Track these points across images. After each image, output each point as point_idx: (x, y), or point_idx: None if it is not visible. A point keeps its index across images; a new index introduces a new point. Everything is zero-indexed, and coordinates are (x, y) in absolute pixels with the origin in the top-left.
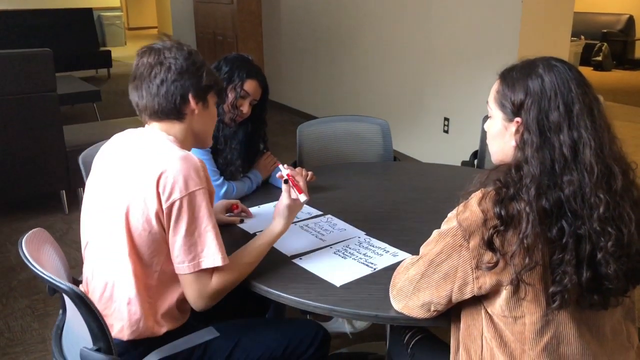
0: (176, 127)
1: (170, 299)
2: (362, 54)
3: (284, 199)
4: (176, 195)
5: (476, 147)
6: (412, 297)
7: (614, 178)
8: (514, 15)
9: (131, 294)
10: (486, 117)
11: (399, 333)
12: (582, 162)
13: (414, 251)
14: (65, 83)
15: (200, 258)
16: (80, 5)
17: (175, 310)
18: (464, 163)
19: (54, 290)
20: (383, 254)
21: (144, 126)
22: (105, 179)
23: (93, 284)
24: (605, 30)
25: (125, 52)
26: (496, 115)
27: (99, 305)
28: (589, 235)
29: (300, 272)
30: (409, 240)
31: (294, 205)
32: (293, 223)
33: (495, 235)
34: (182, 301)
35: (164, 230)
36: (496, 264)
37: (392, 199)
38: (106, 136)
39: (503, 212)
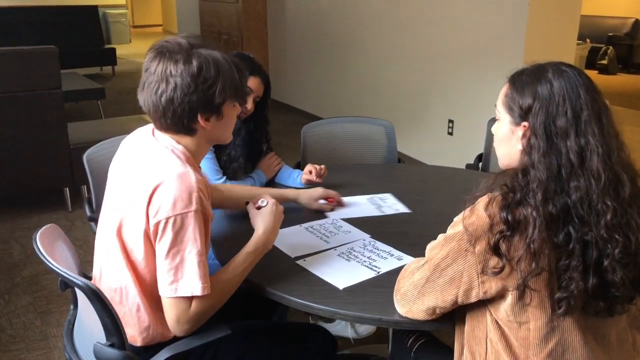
0: (187, 139)
1: None
2: (367, 55)
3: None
4: (162, 215)
5: (481, 150)
6: (416, 301)
7: (622, 186)
8: (520, 18)
9: (139, 302)
10: (492, 120)
11: (402, 336)
12: (589, 169)
13: (419, 255)
14: (69, 80)
15: (179, 284)
16: (85, 2)
17: None
18: (468, 166)
19: (66, 285)
20: (387, 258)
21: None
22: (111, 188)
23: (102, 287)
24: (611, 34)
25: (130, 50)
26: (504, 119)
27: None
28: (595, 242)
29: (303, 274)
30: (414, 243)
31: (262, 211)
32: (298, 224)
33: (501, 241)
34: None
35: (153, 247)
36: (502, 269)
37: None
38: (110, 134)
39: (510, 217)
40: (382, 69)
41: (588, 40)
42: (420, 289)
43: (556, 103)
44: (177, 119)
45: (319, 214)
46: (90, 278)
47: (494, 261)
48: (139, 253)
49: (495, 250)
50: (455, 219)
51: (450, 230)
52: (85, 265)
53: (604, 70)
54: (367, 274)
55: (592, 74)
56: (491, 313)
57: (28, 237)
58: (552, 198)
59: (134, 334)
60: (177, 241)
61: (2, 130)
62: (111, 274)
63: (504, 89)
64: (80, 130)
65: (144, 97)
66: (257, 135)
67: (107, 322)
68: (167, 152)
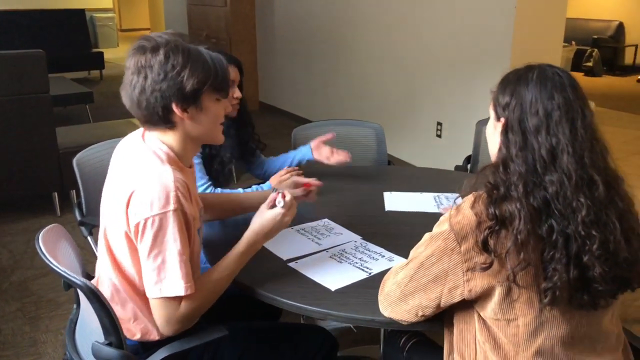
0: (169, 135)
1: None
2: (356, 58)
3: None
4: (140, 217)
5: (469, 152)
6: (399, 301)
7: (596, 187)
8: (507, 21)
9: (132, 302)
10: (480, 122)
11: (394, 337)
12: (561, 167)
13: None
14: (57, 84)
15: (163, 285)
16: (72, 6)
17: None
18: (457, 167)
19: (69, 285)
20: (379, 259)
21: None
22: (104, 192)
23: (101, 287)
24: (595, 37)
25: (117, 54)
26: (491, 115)
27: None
28: (575, 237)
29: (295, 276)
30: (404, 244)
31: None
32: (290, 227)
33: (490, 237)
34: None
35: (136, 249)
36: (491, 264)
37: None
38: (99, 138)
39: (497, 212)
40: (371, 72)
41: (574, 42)
42: (403, 288)
43: (529, 102)
44: (151, 109)
45: (310, 215)
46: (94, 277)
47: (481, 258)
48: (124, 255)
49: (484, 246)
50: (441, 218)
51: (436, 228)
52: (85, 266)
53: (589, 72)
54: (358, 275)
55: (578, 76)
56: (479, 314)
57: (16, 242)
58: (532, 190)
59: (131, 332)
60: (157, 242)
61: None
62: (106, 275)
63: (494, 87)
64: (68, 134)
65: (124, 94)
66: (243, 131)
67: (105, 321)
68: (149, 153)
